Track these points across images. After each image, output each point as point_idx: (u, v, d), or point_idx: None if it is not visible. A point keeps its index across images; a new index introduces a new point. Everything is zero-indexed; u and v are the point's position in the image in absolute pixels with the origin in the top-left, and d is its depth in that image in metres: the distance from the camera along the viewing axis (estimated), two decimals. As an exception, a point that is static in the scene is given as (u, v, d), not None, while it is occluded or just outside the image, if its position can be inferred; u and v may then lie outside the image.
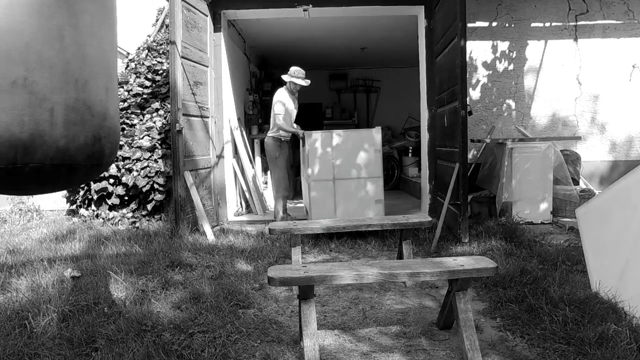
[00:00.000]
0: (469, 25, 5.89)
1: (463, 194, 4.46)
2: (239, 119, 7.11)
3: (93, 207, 5.90)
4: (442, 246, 4.51)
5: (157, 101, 6.22)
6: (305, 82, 5.47)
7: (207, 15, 5.82)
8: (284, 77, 5.49)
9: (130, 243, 4.60)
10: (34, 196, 6.36)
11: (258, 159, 7.72)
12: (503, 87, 6.16)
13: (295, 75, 5.48)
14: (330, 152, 5.03)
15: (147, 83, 6.34)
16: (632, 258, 2.83)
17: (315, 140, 5.04)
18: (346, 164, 5.03)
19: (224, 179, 6.16)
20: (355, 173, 5.05)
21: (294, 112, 5.64)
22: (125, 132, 5.96)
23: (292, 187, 6.09)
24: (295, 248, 3.62)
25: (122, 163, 5.75)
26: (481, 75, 6.15)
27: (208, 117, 5.81)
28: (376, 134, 5.06)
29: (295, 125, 5.62)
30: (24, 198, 6.54)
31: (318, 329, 2.79)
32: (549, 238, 4.53)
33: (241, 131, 6.96)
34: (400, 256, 3.82)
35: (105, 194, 5.79)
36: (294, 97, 5.60)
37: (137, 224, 5.63)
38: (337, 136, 5.03)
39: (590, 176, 6.14)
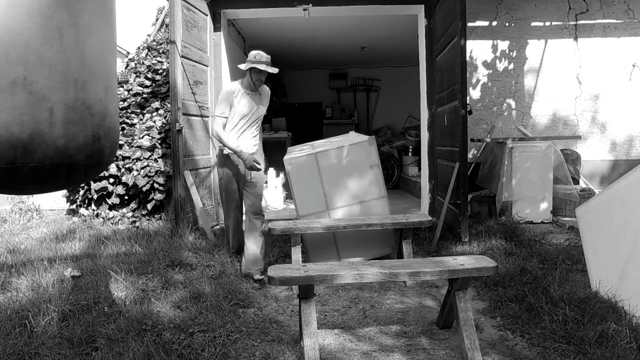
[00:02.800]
0: (469, 24, 5.88)
1: (463, 193, 4.46)
2: (239, 119, 7.09)
3: (93, 206, 5.90)
4: (442, 245, 4.51)
5: (157, 100, 6.22)
6: (273, 70, 3.72)
7: (207, 15, 5.81)
8: (241, 66, 3.77)
9: (131, 242, 4.60)
10: (34, 195, 6.37)
11: (258, 159, 7.70)
12: (503, 86, 6.15)
13: (257, 60, 3.68)
14: (317, 176, 4.04)
15: (147, 82, 6.34)
16: (632, 257, 2.83)
17: (294, 163, 4.01)
18: (339, 188, 4.08)
19: (224, 179, 6.15)
20: (353, 198, 4.10)
21: (251, 116, 3.82)
22: (125, 131, 5.96)
23: (234, 229, 4.09)
24: (295, 247, 3.62)
25: (122, 162, 5.75)
26: (481, 74, 6.15)
27: (208, 117, 5.81)
28: (369, 146, 4.13)
29: (238, 138, 3.78)
30: (24, 197, 6.54)
31: (318, 328, 2.79)
32: (549, 237, 4.53)
33: (241, 130, 6.95)
34: (400, 255, 3.82)
35: (105, 193, 5.79)
36: (254, 95, 3.83)
37: (137, 224, 5.63)
38: (321, 155, 3.98)
39: (591, 175, 6.13)
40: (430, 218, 3.66)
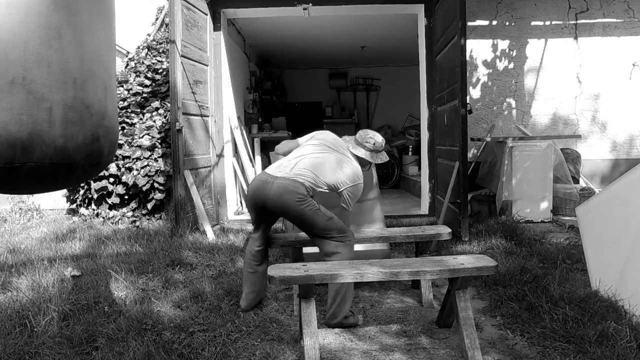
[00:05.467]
0: (469, 23, 5.87)
1: (463, 193, 4.46)
2: (239, 118, 7.10)
3: (93, 206, 5.90)
4: (442, 245, 4.50)
5: (157, 100, 6.22)
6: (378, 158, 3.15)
7: (206, 14, 5.81)
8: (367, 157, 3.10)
9: (131, 242, 4.60)
10: (34, 195, 6.37)
11: (258, 158, 7.71)
12: (503, 85, 6.15)
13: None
14: None
15: (147, 82, 6.33)
16: (632, 256, 2.83)
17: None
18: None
19: (224, 178, 6.15)
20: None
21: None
22: (125, 131, 5.96)
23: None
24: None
25: (122, 162, 5.75)
26: (481, 73, 6.14)
27: (208, 116, 5.81)
28: None
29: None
30: (24, 197, 6.54)
31: (318, 327, 2.79)
32: (549, 237, 4.52)
33: (241, 130, 6.96)
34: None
35: (105, 193, 5.78)
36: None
37: (137, 223, 5.63)
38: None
39: (591, 175, 6.13)
40: (449, 230, 3.27)
